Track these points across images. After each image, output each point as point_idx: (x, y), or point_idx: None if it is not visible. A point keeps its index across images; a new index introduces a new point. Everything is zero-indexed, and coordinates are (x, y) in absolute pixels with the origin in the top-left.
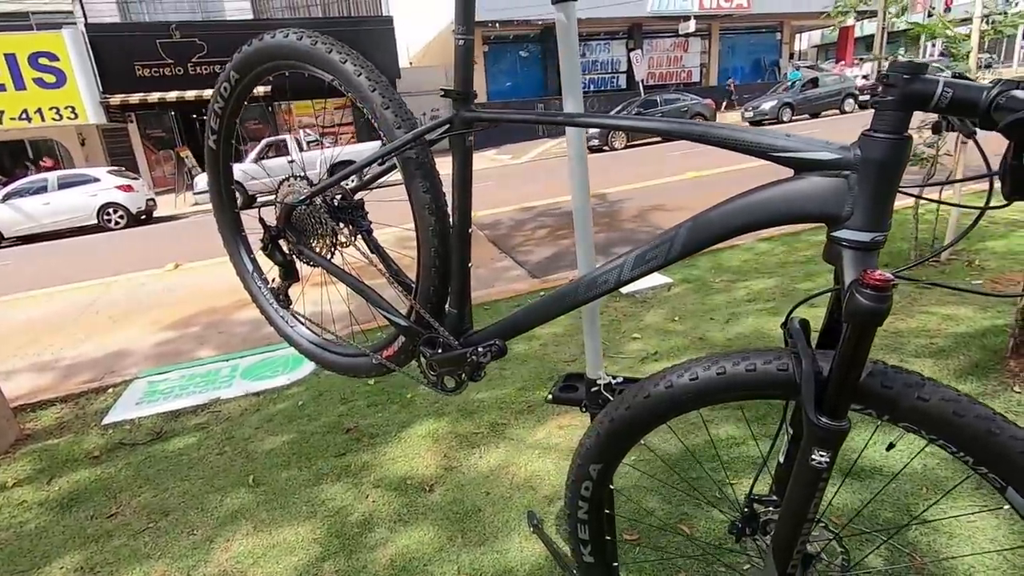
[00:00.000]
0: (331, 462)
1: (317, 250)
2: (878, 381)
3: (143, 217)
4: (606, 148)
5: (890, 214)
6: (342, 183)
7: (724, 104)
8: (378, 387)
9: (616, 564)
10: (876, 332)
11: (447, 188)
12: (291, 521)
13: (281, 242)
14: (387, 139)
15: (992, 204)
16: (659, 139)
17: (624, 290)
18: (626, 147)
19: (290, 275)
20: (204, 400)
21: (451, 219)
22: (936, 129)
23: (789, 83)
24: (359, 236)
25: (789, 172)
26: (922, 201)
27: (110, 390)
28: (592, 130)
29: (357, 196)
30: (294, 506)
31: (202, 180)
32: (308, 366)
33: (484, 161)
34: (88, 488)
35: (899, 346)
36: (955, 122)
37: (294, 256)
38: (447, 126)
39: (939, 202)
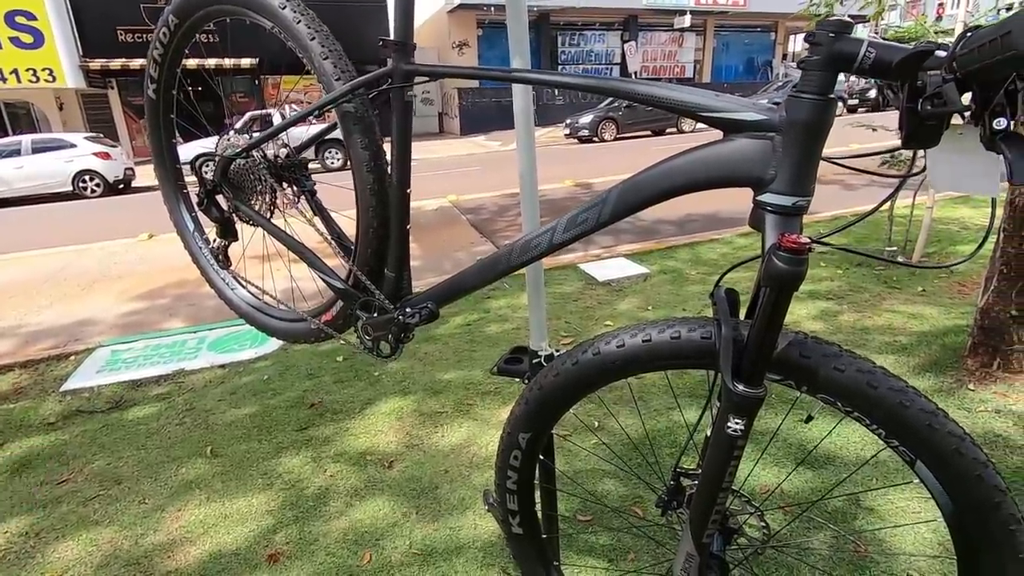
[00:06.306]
0: (292, 436)
1: (256, 208)
2: (797, 351)
3: (121, 186)
4: (595, 139)
5: (814, 178)
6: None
7: None
8: (346, 364)
9: (548, 536)
10: (792, 296)
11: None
12: (246, 492)
13: (219, 198)
14: (326, 91)
15: (913, 172)
16: (648, 133)
17: (601, 279)
18: (615, 139)
19: (228, 233)
20: (168, 371)
21: (390, 179)
22: (875, 105)
23: (780, 83)
24: (302, 197)
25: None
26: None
27: (71, 357)
28: (582, 119)
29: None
30: (250, 478)
31: (186, 151)
32: (277, 341)
33: (472, 146)
34: (40, 454)
35: (864, 342)
36: (888, 94)
37: (232, 214)
38: (387, 80)
39: (860, 171)
